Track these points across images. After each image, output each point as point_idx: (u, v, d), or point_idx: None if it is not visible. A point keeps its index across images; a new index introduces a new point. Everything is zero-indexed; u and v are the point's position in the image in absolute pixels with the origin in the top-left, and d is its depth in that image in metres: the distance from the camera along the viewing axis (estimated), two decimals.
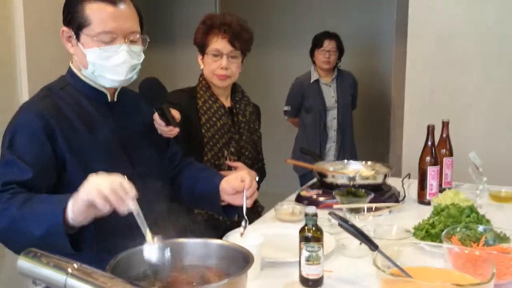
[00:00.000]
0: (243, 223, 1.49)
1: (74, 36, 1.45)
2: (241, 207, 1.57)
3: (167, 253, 1.17)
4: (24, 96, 2.91)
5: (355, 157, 3.90)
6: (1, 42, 2.78)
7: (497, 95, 2.86)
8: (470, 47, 2.87)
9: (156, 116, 1.66)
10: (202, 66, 2.09)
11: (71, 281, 0.60)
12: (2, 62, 2.80)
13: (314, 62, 3.98)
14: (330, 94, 3.94)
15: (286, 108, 4.10)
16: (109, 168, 1.34)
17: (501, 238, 1.48)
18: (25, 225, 1.26)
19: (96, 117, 1.50)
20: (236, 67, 2.05)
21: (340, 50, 3.96)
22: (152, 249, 1.15)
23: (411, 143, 2.96)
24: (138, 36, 1.48)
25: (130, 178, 1.26)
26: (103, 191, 1.16)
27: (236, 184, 1.59)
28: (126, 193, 1.17)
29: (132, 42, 1.46)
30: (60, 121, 1.41)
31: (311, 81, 3.94)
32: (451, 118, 2.30)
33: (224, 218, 2.01)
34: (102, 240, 1.38)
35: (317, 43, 3.92)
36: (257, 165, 2.19)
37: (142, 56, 1.52)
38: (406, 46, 3.03)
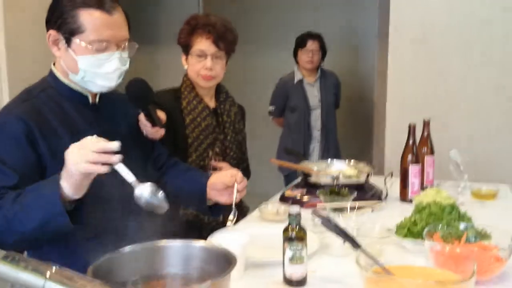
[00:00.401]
0: (232, 214, 1.52)
1: (64, 41, 1.44)
2: (226, 207, 1.58)
3: (160, 192, 1.30)
4: (5, 98, 2.87)
5: (339, 157, 3.90)
6: None
7: (478, 94, 2.89)
8: (452, 46, 2.90)
9: (141, 117, 1.66)
10: (186, 67, 2.09)
11: (50, 284, 0.60)
12: None
13: (297, 62, 4.00)
14: (313, 94, 3.96)
15: (270, 108, 4.12)
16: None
17: (482, 235, 1.49)
18: (20, 220, 1.27)
19: (79, 121, 1.48)
20: (220, 67, 2.05)
21: (323, 50, 3.99)
22: (144, 188, 1.28)
23: (393, 142, 2.98)
24: (127, 43, 1.49)
25: (115, 181, 1.32)
26: (88, 157, 1.23)
27: (227, 179, 1.62)
28: (106, 154, 1.25)
29: (123, 48, 1.47)
30: (41, 125, 1.40)
31: (295, 81, 3.96)
32: (432, 117, 2.32)
33: (210, 219, 2.01)
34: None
35: (300, 43, 3.95)
36: (242, 165, 2.19)
37: (129, 61, 1.52)
38: (388, 46, 3.05)
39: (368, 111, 4.81)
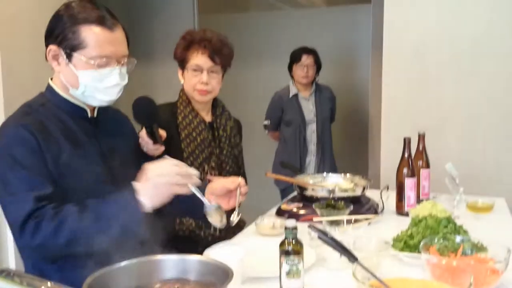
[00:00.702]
0: (235, 213, 1.62)
1: (65, 56, 1.45)
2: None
3: (224, 215, 1.46)
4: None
5: (334, 170, 3.94)
6: None
7: (472, 107, 2.91)
8: (444, 60, 2.93)
9: (143, 134, 1.69)
10: (182, 81, 2.10)
11: None
12: None
13: (292, 77, 4.02)
14: (309, 108, 3.98)
15: (266, 122, 4.14)
16: (93, 186, 1.45)
17: (478, 248, 1.49)
18: (94, 231, 1.31)
19: (80, 135, 1.50)
20: (216, 82, 2.05)
21: (318, 65, 4.01)
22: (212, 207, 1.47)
23: (389, 155, 2.99)
24: (126, 59, 1.51)
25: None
26: (175, 179, 1.38)
27: (229, 183, 1.67)
28: (188, 176, 1.40)
29: (123, 64, 1.49)
30: (46, 138, 1.41)
31: (290, 95, 3.98)
32: (427, 130, 2.33)
33: (206, 233, 2.00)
34: None
35: (295, 58, 3.98)
36: None
37: (127, 76, 1.54)
38: (382, 60, 3.08)
39: (363, 125, 4.83)
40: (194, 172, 1.42)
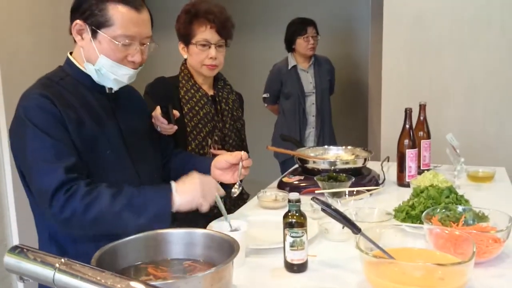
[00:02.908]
0: (236, 185, 1.66)
1: (90, 32, 1.45)
2: (230, 187, 1.64)
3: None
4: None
5: (334, 142, 3.98)
6: None
7: (473, 77, 2.90)
8: (445, 30, 2.90)
9: (157, 113, 1.71)
10: (185, 56, 2.07)
11: (59, 276, 0.60)
12: None
13: (293, 49, 3.98)
14: (308, 80, 3.96)
15: (265, 95, 4.12)
16: (111, 158, 1.49)
17: (480, 217, 1.51)
18: (123, 218, 1.35)
19: (100, 110, 1.52)
20: (222, 56, 2.05)
21: (318, 35, 3.99)
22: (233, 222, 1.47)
23: (389, 126, 2.99)
24: (149, 41, 1.53)
25: (128, 169, 1.54)
26: (200, 200, 1.44)
27: (231, 157, 1.70)
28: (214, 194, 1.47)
29: (144, 45, 1.51)
30: (66, 110, 1.42)
31: (289, 67, 3.95)
32: (428, 101, 2.33)
33: (211, 207, 2.02)
34: None
35: (299, 30, 3.91)
36: None
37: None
38: (382, 31, 3.05)
39: (363, 96, 4.82)
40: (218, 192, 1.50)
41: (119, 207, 1.35)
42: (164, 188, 1.43)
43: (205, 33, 1.99)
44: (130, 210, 1.35)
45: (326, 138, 3.97)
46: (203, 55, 2.00)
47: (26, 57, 2.88)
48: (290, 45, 3.98)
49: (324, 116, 4.00)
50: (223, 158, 1.70)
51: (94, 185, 1.37)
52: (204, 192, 1.44)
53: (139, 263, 1.15)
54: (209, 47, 2.00)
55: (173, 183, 1.44)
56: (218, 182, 1.71)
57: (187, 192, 1.43)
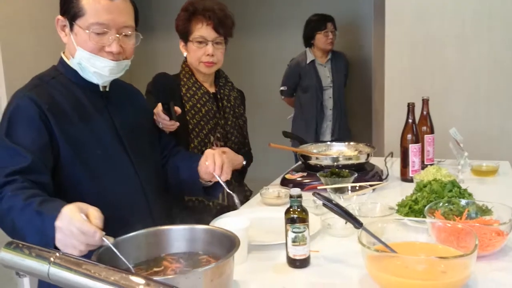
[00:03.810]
0: (235, 199, 1.57)
1: (68, 26, 1.45)
2: (222, 187, 1.61)
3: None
4: (2, 94, 2.86)
5: (349, 135, 4.18)
6: None
7: (476, 71, 2.89)
8: (447, 24, 2.89)
9: (159, 110, 1.70)
10: (185, 54, 2.08)
11: (54, 269, 0.60)
12: None
13: (311, 44, 4.08)
14: (325, 74, 4.09)
15: (282, 88, 4.24)
16: (105, 158, 1.45)
17: (483, 210, 1.50)
18: (21, 234, 1.22)
19: (91, 108, 1.50)
20: (221, 53, 2.04)
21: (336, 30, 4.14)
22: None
23: (393, 121, 2.98)
24: (130, 32, 1.48)
25: (126, 168, 1.49)
26: (74, 248, 1.11)
27: (206, 167, 1.59)
28: (90, 237, 1.09)
29: (125, 36, 1.47)
30: (53, 109, 1.41)
31: (307, 62, 4.07)
32: (431, 95, 2.32)
33: (214, 203, 2.02)
34: None
35: (318, 26, 4.04)
36: (244, 149, 2.19)
37: (126, 64, 1.52)
38: (384, 26, 3.04)
39: (366, 92, 4.80)
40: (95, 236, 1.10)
41: (21, 224, 1.22)
42: (49, 219, 1.16)
43: (201, 30, 1.99)
44: (21, 228, 1.22)
45: (342, 130, 4.12)
46: (200, 52, 2.01)
47: (29, 58, 2.90)
48: (309, 40, 4.10)
49: (340, 109, 4.14)
50: (203, 169, 1.62)
51: (19, 190, 1.26)
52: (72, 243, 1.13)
53: (140, 261, 1.14)
54: (206, 44, 2.00)
55: (59, 218, 1.14)
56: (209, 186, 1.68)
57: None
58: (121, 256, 1.07)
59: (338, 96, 4.09)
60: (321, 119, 4.08)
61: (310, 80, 4.04)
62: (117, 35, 1.44)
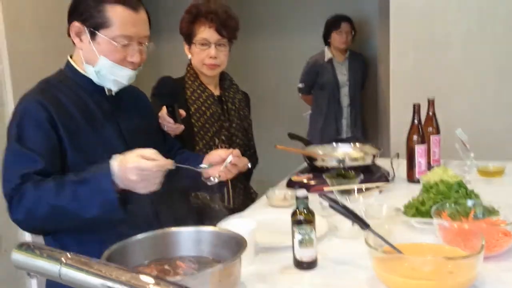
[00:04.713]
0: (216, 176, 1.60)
1: (88, 34, 1.47)
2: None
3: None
4: (9, 99, 2.88)
5: (365, 132, 4.36)
6: None
7: (481, 71, 2.88)
8: (452, 24, 2.88)
9: (164, 113, 1.72)
10: (189, 56, 2.09)
11: (65, 270, 0.61)
12: None
13: (329, 43, 4.24)
14: (342, 72, 4.24)
15: (300, 85, 4.36)
16: None
17: (490, 211, 1.50)
18: (72, 211, 1.32)
19: (98, 113, 1.52)
20: (224, 55, 2.05)
21: (354, 31, 4.27)
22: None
23: (398, 122, 2.98)
24: (147, 41, 1.53)
25: None
26: (156, 181, 1.33)
27: (223, 152, 1.64)
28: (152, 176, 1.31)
29: (143, 45, 1.52)
30: (60, 113, 1.43)
31: (325, 60, 4.21)
32: (436, 96, 2.31)
33: (219, 206, 2.02)
34: None
35: (334, 25, 4.21)
36: (249, 151, 2.20)
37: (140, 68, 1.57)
38: (389, 26, 3.04)
39: (373, 94, 4.80)
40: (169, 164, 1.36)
41: (66, 200, 1.32)
42: (103, 174, 1.34)
43: (204, 32, 2.01)
44: (77, 202, 1.32)
45: (357, 127, 4.26)
46: (203, 55, 2.02)
47: (35, 61, 2.91)
48: (326, 39, 4.25)
49: (356, 107, 4.27)
50: (217, 153, 1.66)
51: (40, 182, 1.35)
52: (145, 181, 1.33)
53: (149, 261, 1.15)
54: (209, 46, 2.01)
55: (114, 166, 1.33)
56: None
57: (126, 182, 1.34)
58: (191, 167, 1.44)
59: (354, 94, 4.23)
60: (338, 116, 4.21)
61: (327, 78, 4.19)
62: (139, 46, 1.49)
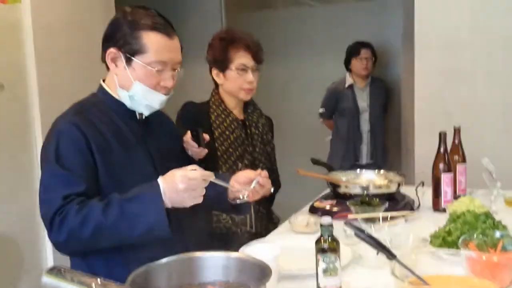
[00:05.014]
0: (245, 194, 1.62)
1: (124, 60, 1.50)
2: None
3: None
4: (36, 120, 2.94)
5: (386, 159, 4.32)
6: (11, 64, 2.83)
7: (506, 100, 2.85)
8: (477, 53, 2.87)
9: (188, 137, 1.75)
10: (220, 82, 2.11)
11: None
12: (13, 85, 2.83)
13: (350, 70, 4.26)
14: (363, 98, 4.25)
15: (321, 110, 4.40)
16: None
17: None
18: (119, 229, 1.34)
19: (129, 135, 1.55)
20: (256, 80, 2.09)
21: (375, 57, 4.30)
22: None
23: (423, 150, 2.95)
24: (179, 67, 1.58)
25: None
26: (201, 192, 1.39)
27: (252, 173, 1.65)
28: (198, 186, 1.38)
29: (176, 71, 1.56)
30: (95, 136, 1.46)
31: (346, 86, 4.23)
32: (462, 124, 2.29)
33: (242, 230, 2.02)
34: None
35: (353, 52, 4.24)
36: (272, 176, 2.19)
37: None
38: (414, 56, 3.04)
39: (395, 120, 4.77)
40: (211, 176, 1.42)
41: (113, 219, 1.34)
42: (152, 192, 1.38)
43: (242, 58, 2.06)
44: (125, 220, 1.34)
45: (378, 153, 4.25)
46: (241, 80, 2.06)
47: (64, 88, 2.96)
48: (347, 65, 4.28)
49: (377, 133, 4.27)
50: (244, 174, 1.68)
51: (85, 202, 1.37)
52: (192, 191, 1.39)
53: (172, 286, 1.14)
54: (247, 71, 2.05)
55: (161, 183, 1.38)
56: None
57: (175, 196, 1.38)
58: (224, 183, 1.48)
59: (375, 120, 4.24)
60: (358, 142, 4.20)
61: (346, 104, 4.21)
62: (172, 72, 1.52)
